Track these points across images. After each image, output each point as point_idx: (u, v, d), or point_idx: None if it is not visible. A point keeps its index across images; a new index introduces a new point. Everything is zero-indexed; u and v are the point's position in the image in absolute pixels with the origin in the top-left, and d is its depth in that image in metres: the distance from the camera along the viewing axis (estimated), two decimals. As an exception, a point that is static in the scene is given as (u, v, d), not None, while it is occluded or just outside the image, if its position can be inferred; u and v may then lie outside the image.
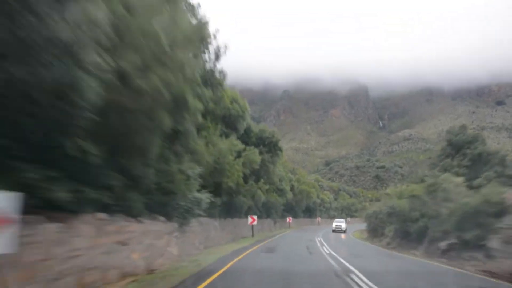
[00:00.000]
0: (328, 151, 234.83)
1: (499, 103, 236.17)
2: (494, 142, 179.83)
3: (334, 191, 71.72)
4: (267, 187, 32.92)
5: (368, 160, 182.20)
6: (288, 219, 45.51)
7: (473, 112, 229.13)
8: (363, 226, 59.96)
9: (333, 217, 67.14)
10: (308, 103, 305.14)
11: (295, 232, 40.89)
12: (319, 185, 64.93)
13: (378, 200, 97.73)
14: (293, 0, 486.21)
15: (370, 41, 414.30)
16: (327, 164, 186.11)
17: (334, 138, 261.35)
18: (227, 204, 22.85)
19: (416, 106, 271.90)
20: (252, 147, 26.61)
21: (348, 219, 71.85)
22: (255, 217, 28.91)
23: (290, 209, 47.71)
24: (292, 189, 46.28)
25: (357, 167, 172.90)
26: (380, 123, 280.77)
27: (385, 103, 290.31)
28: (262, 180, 31.13)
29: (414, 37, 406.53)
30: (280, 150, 36.19)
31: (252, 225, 29.55)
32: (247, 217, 28.86)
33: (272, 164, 33.59)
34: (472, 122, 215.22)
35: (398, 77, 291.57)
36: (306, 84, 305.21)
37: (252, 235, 30.34)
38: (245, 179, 25.94)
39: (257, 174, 29.36)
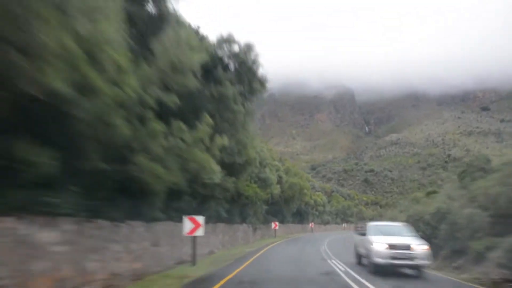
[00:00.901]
0: (314, 155, 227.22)
1: (484, 109, 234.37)
2: (482, 147, 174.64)
3: (326, 192, 62.21)
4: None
5: (356, 164, 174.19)
6: (273, 225, 34.53)
7: (459, 118, 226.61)
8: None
9: (327, 223, 57.36)
10: (294, 107, 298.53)
11: (287, 245, 28.61)
12: (310, 185, 56.09)
13: (374, 203, 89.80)
14: (277, 3, 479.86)
15: (356, 45, 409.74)
16: (313, 168, 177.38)
17: (320, 143, 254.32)
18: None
19: (402, 111, 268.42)
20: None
21: (344, 225, 62.42)
22: (200, 219, 14.24)
23: (277, 212, 36.78)
24: (279, 182, 34.40)
25: (345, 171, 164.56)
26: (366, 128, 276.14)
27: (371, 108, 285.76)
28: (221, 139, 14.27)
29: (400, 42, 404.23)
30: (262, 84, 19.23)
31: (194, 238, 14.53)
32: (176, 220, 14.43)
33: (244, 111, 17.08)
34: (459, 127, 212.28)
35: (384, 82, 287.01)
36: (292, 88, 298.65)
37: (193, 262, 14.47)
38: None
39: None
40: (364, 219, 78.63)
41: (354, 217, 68.45)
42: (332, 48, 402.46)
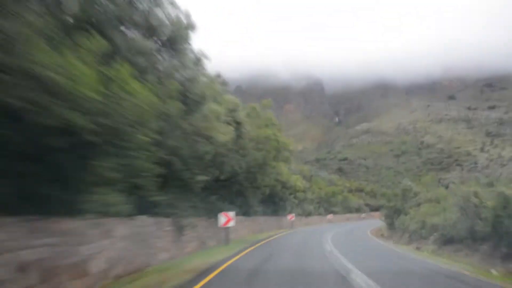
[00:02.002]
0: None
1: (451, 97, 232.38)
2: (454, 133, 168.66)
3: (305, 177, 48.77)
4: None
5: (328, 152, 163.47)
6: (223, 219, 18.13)
7: (428, 106, 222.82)
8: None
9: (309, 215, 43.80)
10: (262, 99, 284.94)
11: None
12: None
13: (359, 189, 78.12)
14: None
15: (324, 36, 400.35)
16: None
17: (289, 134, 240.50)
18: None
19: (371, 101, 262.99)
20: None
21: (329, 216, 49.18)
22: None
23: (233, 195, 21.91)
24: (238, 130, 19.10)
25: (318, 160, 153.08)
26: (336, 118, 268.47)
27: (340, 98, 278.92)
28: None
29: (367, 32, 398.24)
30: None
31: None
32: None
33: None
34: (428, 115, 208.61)
35: (352, 72, 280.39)
36: (260, 79, 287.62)
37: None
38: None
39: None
40: (360, 209, 66.03)
41: (339, 207, 55.81)
42: (299, 39, 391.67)
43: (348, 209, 61.84)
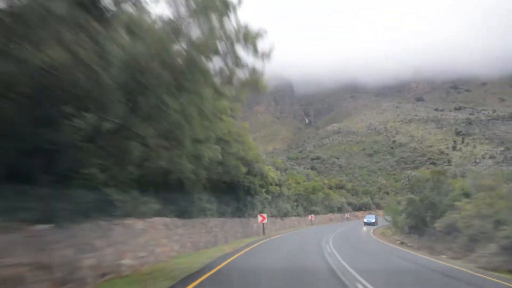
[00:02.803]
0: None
1: (419, 99, 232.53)
2: (425, 133, 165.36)
3: (278, 169, 38.62)
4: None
5: (300, 152, 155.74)
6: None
7: (397, 107, 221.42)
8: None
9: (286, 215, 33.55)
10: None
11: None
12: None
13: (339, 186, 68.87)
14: None
15: (293, 37, 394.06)
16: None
17: (259, 135, 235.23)
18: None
19: (341, 102, 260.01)
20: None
21: (311, 217, 39.41)
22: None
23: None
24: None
25: (290, 159, 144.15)
26: (306, 119, 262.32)
27: (310, 99, 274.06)
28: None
29: (338, 34, 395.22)
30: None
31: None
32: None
33: None
34: (398, 115, 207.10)
35: (322, 74, 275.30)
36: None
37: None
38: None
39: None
40: (343, 208, 56.56)
41: (320, 205, 46.26)
42: (269, 39, 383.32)
43: (330, 209, 52.74)
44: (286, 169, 46.34)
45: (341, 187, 68.57)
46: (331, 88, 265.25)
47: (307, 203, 43.50)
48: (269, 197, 28.83)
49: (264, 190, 27.23)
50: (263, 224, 27.64)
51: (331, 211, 55.02)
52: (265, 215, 27.20)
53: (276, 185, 30.03)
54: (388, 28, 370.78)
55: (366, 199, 71.33)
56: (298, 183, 43.53)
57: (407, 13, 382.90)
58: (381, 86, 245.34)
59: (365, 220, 42.69)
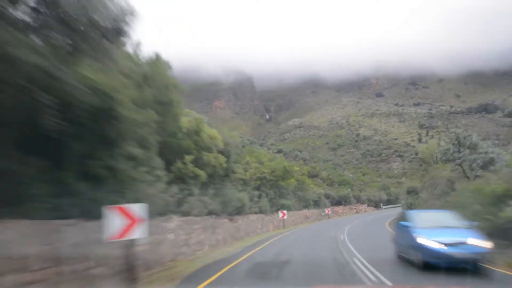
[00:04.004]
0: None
1: (378, 95, 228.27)
2: (388, 126, 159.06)
3: (229, 145, 24.52)
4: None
5: (261, 145, 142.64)
6: None
7: (358, 102, 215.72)
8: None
9: (241, 212, 19.47)
10: (190, 94, 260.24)
11: None
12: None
13: (312, 175, 55.36)
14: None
15: (254, 31, 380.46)
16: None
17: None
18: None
19: (302, 98, 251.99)
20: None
21: (282, 214, 25.66)
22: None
23: None
24: None
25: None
26: (267, 115, 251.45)
27: (271, 95, 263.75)
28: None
29: (299, 30, 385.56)
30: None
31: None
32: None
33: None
34: (360, 110, 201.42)
35: (283, 69, 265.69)
36: (188, 75, 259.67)
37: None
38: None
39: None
40: (320, 202, 42.67)
41: (292, 197, 32.68)
42: (229, 32, 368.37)
43: (305, 202, 39.48)
44: (243, 146, 32.40)
45: (315, 176, 55.67)
46: (292, 84, 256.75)
47: (274, 193, 29.85)
48: (203, 175, 14.76)
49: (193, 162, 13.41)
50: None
51: (306, 205, 42.32)
52: (175, 219, 13.03)
53: (221, 154, 16.11)
54: (350, 24, 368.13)
55: (345, 191, 59.00)
56: (261, 163, 29.62)
57: (368, 10, 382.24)
58: (342, 81, 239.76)
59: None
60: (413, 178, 41.02)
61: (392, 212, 55.26)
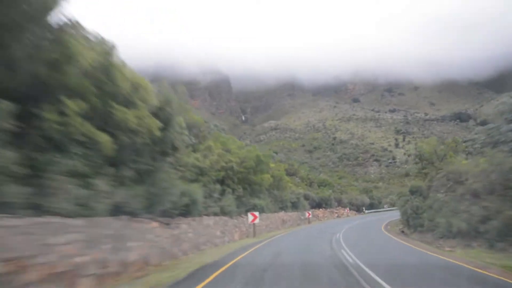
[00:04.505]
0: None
1: (355, 100, 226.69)
2: (365, 131, 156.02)
3: (195, 128, 17.76)
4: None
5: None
6: None
7: (335, 107, 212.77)
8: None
9: (187, 213, 12.68)
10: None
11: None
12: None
13: (290, 173, 48.16)
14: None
15: (233, 32, 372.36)
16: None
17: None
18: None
19: (278, 100, 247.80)
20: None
21: (253, 218, 18.74)
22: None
23: None
24: None
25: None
26: (243, 116, 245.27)
27: (248, 96, 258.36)
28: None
29: (276, 31, 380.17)
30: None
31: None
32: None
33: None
34: (336, 114, 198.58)
35: (261, 71, 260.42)
36: (163, 73, 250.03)
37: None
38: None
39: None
40: (299, 204, 35.47)
41: (265, 197, 25.89)
42: (208, 33, 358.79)
43: (281, 204, 32.67)
44: (205, 132, 25.60)
45: (293, 174, 49.17)
46: (269, 86, 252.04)
47: (244, 190, 23.44)
48: (108, 142, 8.11)
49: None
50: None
51: (283, 207, 35.18)
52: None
53: (154, 116, 9.60)
54: (328, 29, 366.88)
55: (326, 193, 52.43)
56: (227, 150, 23.14)
57: (347, 16, 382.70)
58: (319, 86, 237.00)
59: None
60: (415, 178, 35.20)
61: (378, 217, 49.50)
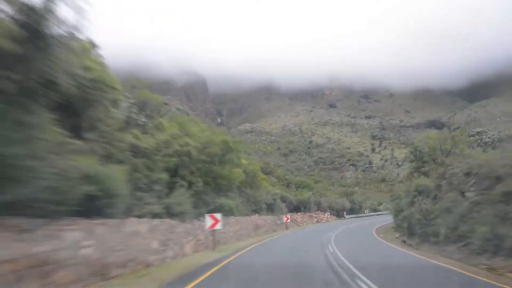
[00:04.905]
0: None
1: (332, 105, 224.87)
2: (341, 135, 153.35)
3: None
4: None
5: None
6: None
7: (311, 111, 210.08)
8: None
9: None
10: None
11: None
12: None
13: (266, 172, 40.97)
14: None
15: (210, 33, 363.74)
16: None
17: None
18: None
19: (255, 104, 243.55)
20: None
21: (212, 222, 12.71)
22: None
23: None
24: None
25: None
26: (219, 119, 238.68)
27: (224, 98, 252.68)
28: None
29: (254, 36, 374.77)
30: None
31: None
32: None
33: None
34: (313, 119, 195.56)
35: (238, 73, 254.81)
36: (139, 72, 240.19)
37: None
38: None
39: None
40: (275, 207, 29.05)
41: (236, 196, 19.97)
42: (184, 33, 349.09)
43: (255, 205, 26.60)
44: (167, 113, 19.59)
45: (269, 173, 43.38)
46: (246, 89, 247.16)
47: (206, 185, 17.51)
48: None
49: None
50: None
51: (257, 209, 29.01)
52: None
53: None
54: (306, 34, 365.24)
55: (305, 195, 46.67)
56: (186, 133, 17.52)
57: (325, 22, 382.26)
58: (296, 90, 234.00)
59: None
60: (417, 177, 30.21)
61: (360, 222, 44.14)
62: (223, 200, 20.75)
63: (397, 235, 24.10)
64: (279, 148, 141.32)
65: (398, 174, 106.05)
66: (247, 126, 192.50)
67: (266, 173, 43.81)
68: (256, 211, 27.99)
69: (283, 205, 36.97)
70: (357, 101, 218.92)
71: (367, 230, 31.84)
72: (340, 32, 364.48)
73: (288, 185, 48.52)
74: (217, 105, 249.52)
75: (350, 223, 45.72)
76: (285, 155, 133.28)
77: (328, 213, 52.37)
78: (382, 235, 26.24)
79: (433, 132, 33.62)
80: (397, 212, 25.20)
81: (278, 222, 34.43)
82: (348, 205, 59.16)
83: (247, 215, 25.00)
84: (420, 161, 24.75)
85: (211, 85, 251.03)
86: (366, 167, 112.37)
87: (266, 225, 29.41)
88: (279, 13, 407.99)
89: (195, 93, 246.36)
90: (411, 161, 28.13)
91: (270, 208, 32.63)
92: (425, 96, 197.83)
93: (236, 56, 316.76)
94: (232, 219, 22.18)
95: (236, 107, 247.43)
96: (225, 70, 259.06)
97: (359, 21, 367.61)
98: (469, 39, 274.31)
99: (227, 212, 20.72)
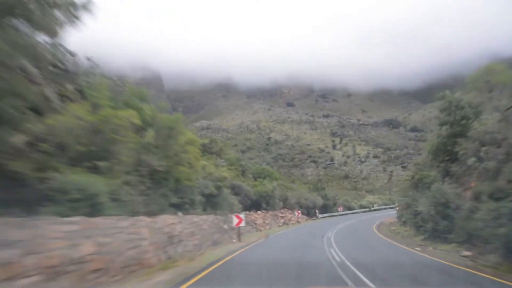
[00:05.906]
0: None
1: (290, 104, 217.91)
2: (300, 133, 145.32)
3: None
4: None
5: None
6: None
7: (269, 109, 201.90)
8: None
9: None
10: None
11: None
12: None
13: (212, 152, 28.50)
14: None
15: (165, 27, 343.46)
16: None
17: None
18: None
19: (212, 101, 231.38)
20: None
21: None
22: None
23: None
24: None
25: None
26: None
27: (180, 95, 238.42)
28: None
29: (212, 33, 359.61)
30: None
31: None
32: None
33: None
34: (271, 117, 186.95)
35: (195, 71, 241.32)
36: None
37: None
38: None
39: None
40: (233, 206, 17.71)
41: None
42: (139, 28, 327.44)
43: (177, 194, 14.61)
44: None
45: (215, 153, 31.32)
46: (203, 86, 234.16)
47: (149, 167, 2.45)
48: None
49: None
50: None
51: (183, 203, 16.57)
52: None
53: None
54: (265, 32, 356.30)
55: (269, 186, 34.87)
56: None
57: (284, 20, 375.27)
58: (254, 88, 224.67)
59: None
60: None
61: (348, 223, 32.53)
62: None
63: (415, 238, 13.83)
64: (236, 145, 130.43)
65: (361, 171, 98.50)
66: (204, 123, 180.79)
67: (213, 153, 32.24)
68: (181, 205, 15.71)
69: (235, 199, 25.23)
70: (315, 101, 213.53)
71: (365, 230, 21.29)
72: (299, 31, 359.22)
73: (243, 173, 36.74)
74: (172, 101, 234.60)
75: (331, 224, 34.44)
76: (243, 151, 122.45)
77: (299, 212, 40.89)
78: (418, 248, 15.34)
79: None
80: (404, 209, 14.89)
81: (226, 226, 22.72)
82: (320, 201, 48.77)
83: (204, 214, 12.84)
84: (457, 124, 14.59)
85: (167, 82, 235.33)
86: (328, 164, 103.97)
87: (201, 233, 17.15)
88: (238, 10, 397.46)
89: (149, 89, 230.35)
90: (442, 124, 17.69)
91: (212, 202, 20.73)
92: (382, 96, 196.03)
93: (194, 53, 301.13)
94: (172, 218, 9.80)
95: (193, 104, 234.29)
96: (182, 67, 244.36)
97: (318, 21, 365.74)
98: (425, 42, 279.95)
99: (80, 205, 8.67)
